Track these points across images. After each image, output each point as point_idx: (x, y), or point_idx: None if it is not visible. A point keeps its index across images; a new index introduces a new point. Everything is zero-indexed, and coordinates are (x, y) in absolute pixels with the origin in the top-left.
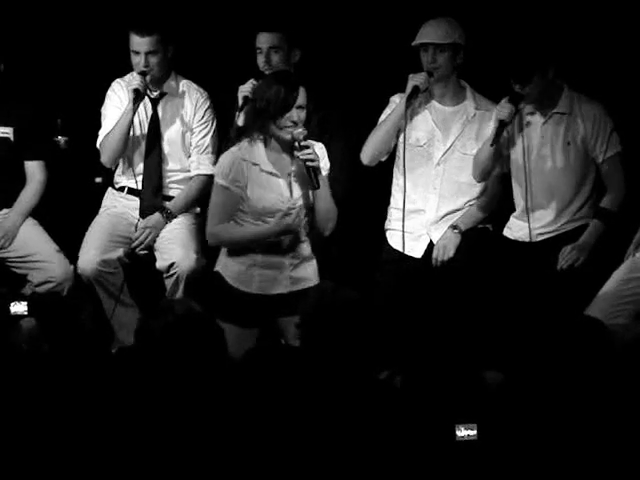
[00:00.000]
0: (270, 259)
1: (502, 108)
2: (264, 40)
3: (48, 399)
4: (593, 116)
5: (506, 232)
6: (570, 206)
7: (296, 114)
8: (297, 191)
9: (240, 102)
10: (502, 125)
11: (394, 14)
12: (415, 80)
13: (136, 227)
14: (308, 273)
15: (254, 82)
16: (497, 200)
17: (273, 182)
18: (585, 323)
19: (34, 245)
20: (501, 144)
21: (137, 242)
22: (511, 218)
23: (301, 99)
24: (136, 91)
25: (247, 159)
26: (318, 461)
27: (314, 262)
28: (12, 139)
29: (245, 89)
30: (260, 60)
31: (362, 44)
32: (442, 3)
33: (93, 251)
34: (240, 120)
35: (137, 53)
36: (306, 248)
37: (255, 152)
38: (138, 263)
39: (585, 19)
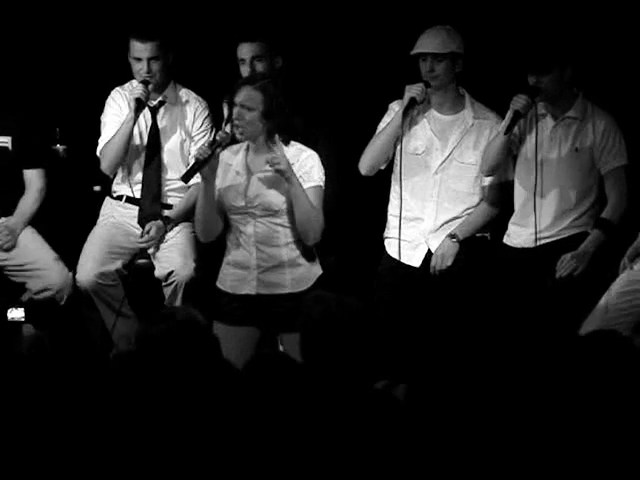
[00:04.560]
0: (238, 258)
1: (518, 99)
2: (246, 51)
3: (47, 404)
4: (604, 126)
5: (505, 240)
6: (570, 213)
7: (237, 112)
8: (253, 190)
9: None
10: (517, 116)
11: (387, 19)
12: (412, 92)
13: (141, 234)
14: (282, 279)
15: None
16: (496, 208)
17: (236, 180)
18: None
19: (32, 253)
20: (512, 141)
21: (144, 241)
22: (509, 225)
23: (241, 97)
24: (138, 100)
25: (224, 159)
26: (317, 469)
27: (297, 270)
28: (10, 148)
29: None
30: (244, 70)
31: (350, 50)
32: (448, 10)
33: (91, 264)
34: (228, 128)
35: (139, 60)
36: (287, 254)
37: (234, 153)
38: (137, 272)
39: (605, 33)
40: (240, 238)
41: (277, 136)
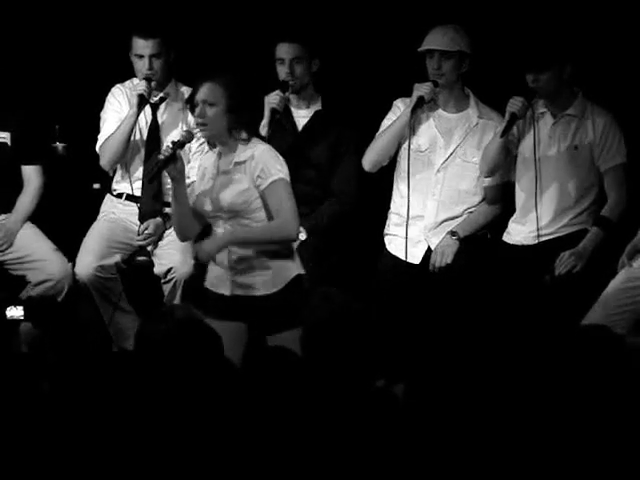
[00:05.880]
0: (217, 258)
1: (515, 101)
2: (286, 51)
3: (46, 403)
4: (603, 124)
5: (505, 237)
6: (570, 210)
7: (199, 109)
8: (216, 193)
9: (267, 114)
10: (513, 118)
11: (391, 19)
12: (420, 90)
13: (138, 232)
14: (253, 282)
15: (280, 93)
16: (498, 209)
17: (207, 184)
18: (592, 331)
19: (30, 245)
20: (511, 141)
21: (142, 239)
22: (510, 223)
23: (202, 94)
24: (141, 96)
25: (203, 164)
26: (317, 467)
27: (268, 272)
28: (9, 144)
29: (273, 101)
30: (282, 71)
31: (367, 54)
32: (451, 11)
33: (90, 257)
34: (264, 132)
35: (141, 57)
36: (256, 256)
37: (211, 156)
38: (136, 269)
39: (605, 31)
40: None
41: (243, 134)
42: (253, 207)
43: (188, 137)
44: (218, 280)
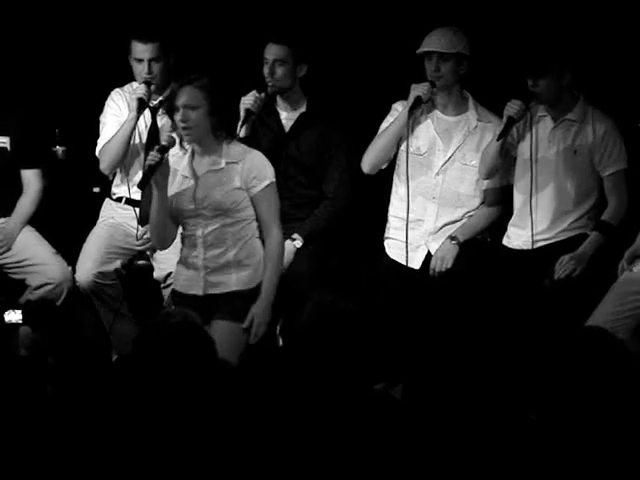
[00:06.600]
0: (188, 260)
1: (512, 104)
2: (271, 52)
3: (45, 407)
4: (604, 129)
5: (505, 241)
6: (569, 215)
7: (181, 114)
8: (201, 192)
9: (242, 115)
10: (510, 122)
11: (387, 19)
12: (418, 91)
13: (137, 237)
14: (228, 279)
15: (257, 94)
16: (497, 212)
17: (184, 184)
18: (591, 333)
19: (30, 249)
20: (510, 144)
21: (141, 244)
22: (509, 226)
23: (183, 99)
24: (140, 100)
25: (172, 165)
26: (316, 469)
27: (244, 271)
28: (9, 148)
29: (247, 101)
30: (265, 71)
31: (366, 57)
32: (448, 12)
33: (90, 263)
34: (242, 132)
35: (140, 61)
36: (234, 255)
37: (182, 158)
38: (135, 274)
39: (605, 37)
40: (190, 240)
41: (224, 134)
42: (241, 206)
43: (171, 141)
44: (189, 282)
